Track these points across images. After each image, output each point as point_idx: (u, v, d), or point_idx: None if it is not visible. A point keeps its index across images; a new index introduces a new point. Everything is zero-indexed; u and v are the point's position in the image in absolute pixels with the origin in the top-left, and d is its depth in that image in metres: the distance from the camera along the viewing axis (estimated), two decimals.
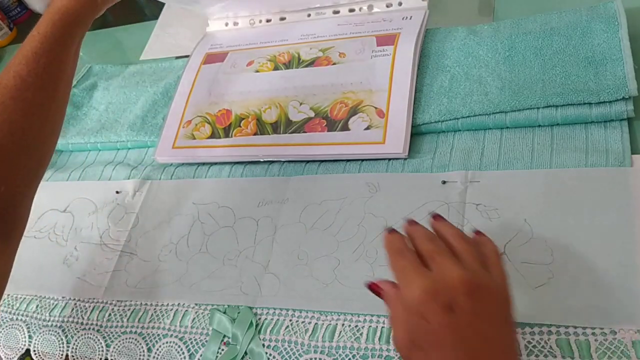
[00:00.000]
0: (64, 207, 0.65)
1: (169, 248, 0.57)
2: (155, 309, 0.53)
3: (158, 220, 0.59)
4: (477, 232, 0.40)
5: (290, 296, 0.49)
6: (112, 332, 0.53)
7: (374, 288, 0.38)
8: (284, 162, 0.59)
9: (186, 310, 0.51)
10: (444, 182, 0.50)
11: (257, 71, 0.65)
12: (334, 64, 0.62)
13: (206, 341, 0.49)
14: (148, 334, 0.51)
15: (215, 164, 0.62)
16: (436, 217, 0.41)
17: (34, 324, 0.56)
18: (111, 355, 0.51)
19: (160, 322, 0.51)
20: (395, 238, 0.39)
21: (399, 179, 0.53)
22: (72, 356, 0.53)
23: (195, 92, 0.67)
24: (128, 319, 0.53)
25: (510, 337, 0.35)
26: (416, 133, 0.55)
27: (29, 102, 0.47)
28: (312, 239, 0.52)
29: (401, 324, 0.35)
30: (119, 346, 0.52)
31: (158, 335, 0.51)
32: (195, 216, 0.58)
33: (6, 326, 0.57)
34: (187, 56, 0.73)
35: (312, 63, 0.63)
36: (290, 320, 0.47)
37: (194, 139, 0.63)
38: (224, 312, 0.50)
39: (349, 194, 0.53)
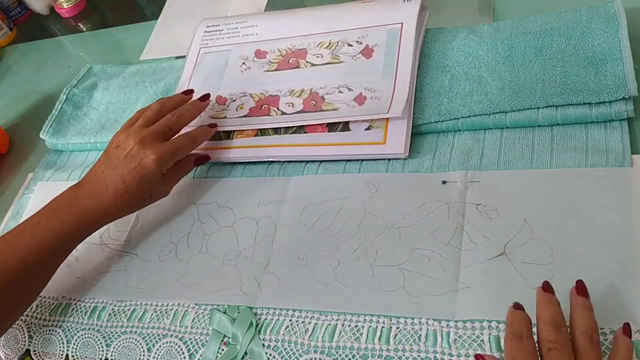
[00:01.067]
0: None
1: (169, 248, 0.57)
2: (155, 309, 0.53)
3: (158, 220, 0.59)
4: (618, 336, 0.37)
5: (290, 296, 0.49)
6: (112, 332, 0.53)
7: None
8: (284, 162, 0.59)
9: (186, 310, 0.51)
10: (444, 182, 0.50)
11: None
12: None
13: (206, 341, 0.49)
14: (148, 334, 0.51)
15: (216, 164, 0.62)
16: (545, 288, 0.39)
17: (34, 324, 0.56)
18: (111, 355, 0.51)
19: (160, 322, 0.51)
20: (519, 318, 0.37)
21: (399, 179, 0.53)
22: (72, 356, 0.53)
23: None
24: (128, 319, 0.53)
25: None
26: (416, 133, 0.55)
27: (26, 284, 0.50)
28: (312, 239, 0.52)
29: None
30: (119, 346, 0.52)
31: (158, 335, 0.51)
32: (195, 216, 0.58)
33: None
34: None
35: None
36: (290, 320, 0.47)
37: None
38: (224, 312, 0.50)
39: (349, 194, 0.53)
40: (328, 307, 0.47)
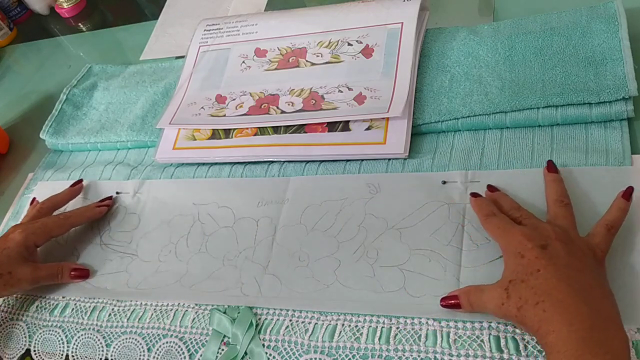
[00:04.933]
0: (63, 207, 0.65)
1: (169, 248, 0.57)
2: (155, 309, 0.53)
3: (158, 220, 0.59)
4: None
5: (291, 297, 0.49)
6: (112, 332, 0.53)
7: (449, 300, 0.43)
8: (284, 162, 0.59)
9: (186, 310, 0.51)
10: (444, 182, 0.50)
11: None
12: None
13: (206, 341, 0.49)
14: (148, 334, 0.51)
15: (215, 164, 0.62)
16: (491, 188, 0.48)
17: (34, 324, 0.56)
18: (111, 355, 0.51)
19: (160, 322, 0.51)
20: (483, 202, 0.46)
21: (399, 179, 0.53)
22: (72, 356, 0.53)
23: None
24: (128, 319, 0.53)
25: (600, 283, 0.38)
26: (416, 133, 0.55)
27: None
28: (312, 239, 0.52)
29: (498, 286, 0.39)
30: (119, 346, 0.52)
31: (158, 335, 0.51)
32: (195, 216, 0.58)
33: (6, 326, 0.57)
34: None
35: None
36: (290, 320, 0.47)
37: (195, 139, 0.63)
38: (224, 312, 0.50)
39: (349, 195, 0.53)
40: (329, 308, 0.47)
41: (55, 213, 0.61)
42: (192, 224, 0.58)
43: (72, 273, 0.57)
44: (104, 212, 0.61)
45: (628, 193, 0.42)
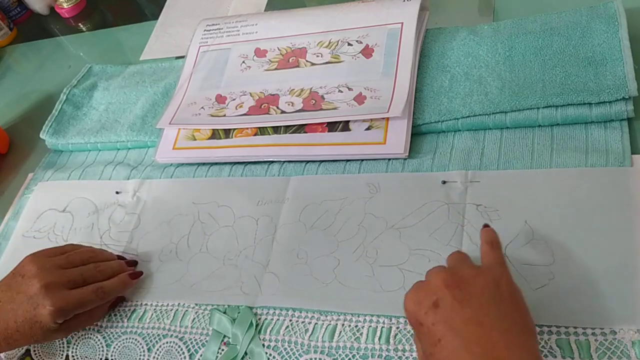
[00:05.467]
0: (63, 206, 0.65)
1: (169, 248, 0.57)
2: (155, 309, 0.53)
3: (158, 220, 0.59)
4: (484, 226, 0.45)
5: (290, 295, 0.49)
6: (112, 332, 0.53)
7: None
8: (284, 162, 0.59)
9: (186, 310, 0.51)
10: (444, 182, 0.50)
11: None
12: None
13: (206, 341, 0.49)
14: (148, 334, 0.51)
15: (215, 164, 0.62)
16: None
17: None
18: (111, 355, 0.51)
19: (160, 322, 0.51)
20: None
21: (399, 179, 0.53)
22: (72, 356, 0.53)
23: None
24: (128, 319, 0.53)
25: (503, 313, 0.35)
26: (416, 133, 0.55)
27: None
28: (312, 238, 0.52)
29: (415, 341, 0.39)
30: (119, 346, 0.52)
31: (158, 335, 0.51)
32: (195, 216, 0.58)
33: None
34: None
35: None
36: (290, 320, 0.47)
37: (195, 139, 0.63)
38: (224, 312, 0.50)
39: (349, 195, 0.53)
40: (328, 307, 0.47)
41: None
42: (192, 224, 0.58)
43: (110, 308, 0.53)
44: (136, 282, 0.54)
45: (485, 226, 0.45)
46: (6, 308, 0.48)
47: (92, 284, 0.50)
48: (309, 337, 0.46)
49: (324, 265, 0.50)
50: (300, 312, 0.48)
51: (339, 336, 0.45)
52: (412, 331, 0.43)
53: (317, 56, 0.63)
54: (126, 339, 0.52)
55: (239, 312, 0.49)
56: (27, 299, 0.47)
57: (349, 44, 0.63)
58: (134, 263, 0.56)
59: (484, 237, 0.43)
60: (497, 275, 0.37)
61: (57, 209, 0.65)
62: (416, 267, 0.46)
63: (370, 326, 0.45)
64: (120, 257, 0.56)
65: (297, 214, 0.54)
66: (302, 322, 0.47)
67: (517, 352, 0.33)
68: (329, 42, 0.64)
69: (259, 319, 0.49)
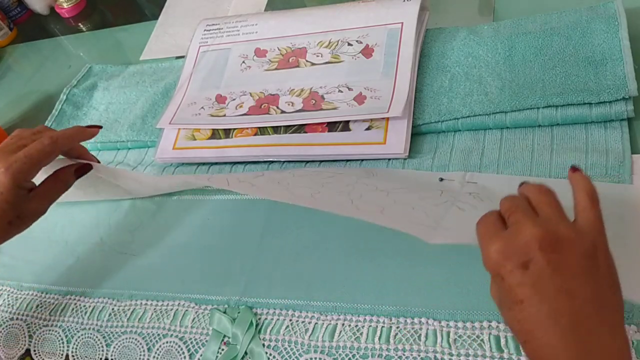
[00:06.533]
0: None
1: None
2: (155, 309, 0.53)
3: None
4: (573, 169, 0.37)
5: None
6: (112, 332, 0.53)
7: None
8: (284, 162, 0.59)
9: (186, 310, 0.51)
10: (441, 180, 0.50)
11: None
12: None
13: (206, 341, 0.49)
14: (148, 334, 0.51)
15: (215, 164, 0.62)
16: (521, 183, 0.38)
17: (34, 324, 0.56)
18: (111, 355, 0.51)
19: (160, 322, 0.51)
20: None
21: (397, 171, 0.53)
22: (72, 356, 0.53)
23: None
24: (128, 319, 0.53)
25: (598, 287, 0.32)
26: (416, 133, 0.55)
27: None
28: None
29: (492, 284, 0.35)
30: (119, 346, 0.52)
31: (158, 335, 0.51)
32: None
33: (6, 326, 0.57)
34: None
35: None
36: (290, 320, 0.47)
37: (195, 139, 0.63)
38: (224, 312, 0.50)
39: (344, 172, 0.53)
40: (328, 307, 0.47)
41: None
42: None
43: (76, 174, 0.50)
44: (95, 134, 0.51)
45: (574, 169, 0.37)
46: None
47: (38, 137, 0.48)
48: (309, 336, 0.46)
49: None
50: (300, 312, 0.48)
51: (339, 336, 0.45)
52: (412, 331, 0.43)
53: (317, 56, 0.63)
54: (126, 338, 0.52)
55: (239, 312, 0.49)
56: None
57: (349, 44, 0.63)
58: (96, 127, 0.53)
59: (581, 184, 0.36)
60: (596, 242, 0.33)
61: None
62: (398, 209, 0.45)
63: (370, 326, 0.45)
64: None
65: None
66: (302, 321, 0.47)
67: (610, 331, 0.31)
68: (329, 42, 0.64)
69: (259, 318, 0.49)
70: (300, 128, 0.59)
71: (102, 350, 0.52)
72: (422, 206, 0.45)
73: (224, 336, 0.49)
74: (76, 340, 0.53)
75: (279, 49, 0.66)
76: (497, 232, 0.34)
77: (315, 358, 0.45)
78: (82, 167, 0.50)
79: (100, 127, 0.52)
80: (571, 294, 0.31)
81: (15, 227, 0.48)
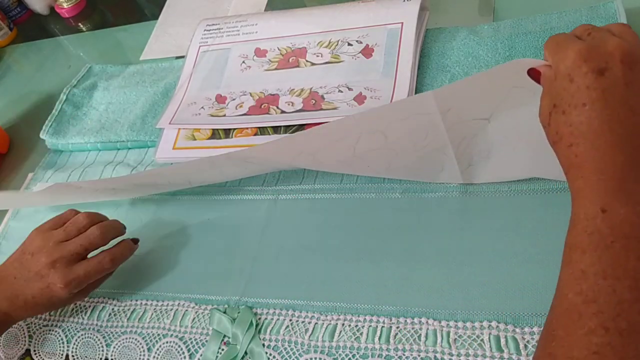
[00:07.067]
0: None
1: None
2: (155, 308, 0.53)
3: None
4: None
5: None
6: (112, 332, 0.53)
7: (532, 73, 0.37)
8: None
9: (186, 310, 0.51)
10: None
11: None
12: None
13: (206, 341, 0.49)
14: (148, 334, 0.51)
15: None
16: None
17: (34, 323, 0.56)
18: (111, 355, 0.51)
19: (160, 322, 0.51)
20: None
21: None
22: (72, 356, 0.53)
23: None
24: (128, 319, 0.53)
25: None
26: None
27: None
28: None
29: (547, 93, 0.35)
30: (119, 346, 0.52)
31: (158, 335, 0.51)
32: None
33: None
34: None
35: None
36: (290, 320, 0.47)
37: (195, 139, 0.63)
38: (224, 312, 0.50)
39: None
40: (328, 307, 0.47)
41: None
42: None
43: (112, 261, 0.52)
44: (134, 249, 0.54)
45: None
46: (23, 285, 0.50)
47: (96, 257, 0.51)
48: (309, 336, 0.46)
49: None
50: (300, 312, 0.48)
51: (339, 336, 0.45)
52: (412, 331, 0.43)
53: (317, 56, 0.63)
54: (126, 338, 0.52)
55: (238, 312, 0.49)
56: (39, 277, 0.49)
57: (349, 44, 0.63)
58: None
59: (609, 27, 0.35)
60: None
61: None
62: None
63: (370, 326, 0.45)
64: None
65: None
66: (302, 321, 0.47)
67: None
68: (329, 42, 0.64)
69: (259, 318, 0.49)
70: (300, 128, 0.59)
71: (102, 350, 0.52)
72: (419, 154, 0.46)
73: (224, 336, 0.49)
74: (76, 340, 0.53)
75: (279, 49, 0.66)
76: (578, 40, 0.34)
77: (315, 358, 0.45)
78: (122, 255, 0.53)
79: (137, 240, 0.55)
80: (634, 111, 0.32)
81: (59, 308, 0.55)
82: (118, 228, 0.54)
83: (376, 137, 0.46)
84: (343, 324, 0.46)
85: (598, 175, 0.32)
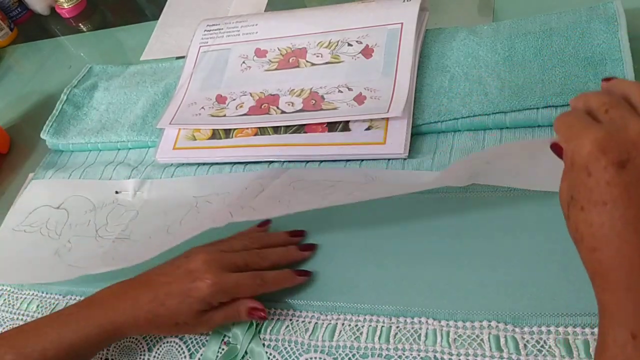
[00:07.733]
0: (58, 203, 0.65)
1: (162, 230, 0.56)
2: None
3: (156, 212, 0.59)
4: (606, 79, 0.34)
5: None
6: None
7: (555, 148, 0.33)
8: (284, 162, 0.59)
9: None
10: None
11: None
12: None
13: (206, 341, 0.49)
14: (148, 334, 0.51)
15: (216, 164, 0.62)
16: (607, 78, 0.34)
17: None
18: (111, 355, 0.51)
19: None
20: (579, 97, 0.34)
21: (396, 174, 0.53)
22: None
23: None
24: None
25: None
26: (416, 133, 0.55)
27: None
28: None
29: (565, 178, 0.32)
30: (119, 346, 0.52)
31: (158, 335, 0.51)
32: (192, 205, 0.58)
33: (6, 326, 0.57)
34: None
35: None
36: (290, 320, 0.48)
37: (195, 139, 0.63)
38: None
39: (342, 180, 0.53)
40: (328, 307, 0.47)
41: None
42: (188, 211, 0.57)
43: (250, 312, 0.46)
44: (301, 281, 0.49)
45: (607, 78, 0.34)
46: (160, 280, 0.46)
47: (251, 272, 0.47)
48: (309, 336, 0.46)
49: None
50: (301, 312, 0.48)
51: (339, 335, 0.45)
52: (411, 331, 0.43)
53: (317, 56, 0.63)
54: (126, 339, 0.52)
55: None
56: (187, 273, 0.45)
57: (349, 44, 0.63)
58: (309, 247, 0.51)
59: (632, 85, 0.32)
60: None
61: (52, 206, 0.65)
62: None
63: (370, 325, 0.45)
64: (295, 234, 0.51)
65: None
66: (302, 321, 0.47)
67: None
68: (329, 43, 0.64)
69: None
70: (300, 128, 0.59)
71: (103, 351, 0.52)
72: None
73: (224, 336, 0.49)
74: None
75: (279, 49, 0.66)
76: (591, 123, 0.31)
77: (315, 358, 0.45)
78: (257, 312, 0.47)
79: (310, 273, 0.49)
80: None
81: (174, 332, 0.48)
82: (282, 257, 0.49)
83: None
84: (343, 324, 0.46)
85: (626, 291, 0.28)
